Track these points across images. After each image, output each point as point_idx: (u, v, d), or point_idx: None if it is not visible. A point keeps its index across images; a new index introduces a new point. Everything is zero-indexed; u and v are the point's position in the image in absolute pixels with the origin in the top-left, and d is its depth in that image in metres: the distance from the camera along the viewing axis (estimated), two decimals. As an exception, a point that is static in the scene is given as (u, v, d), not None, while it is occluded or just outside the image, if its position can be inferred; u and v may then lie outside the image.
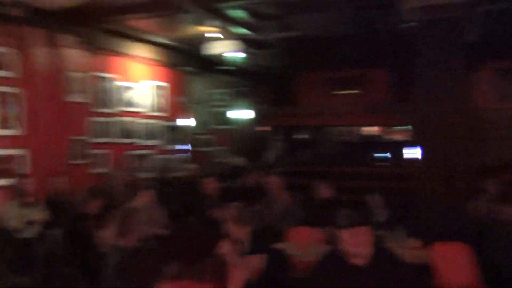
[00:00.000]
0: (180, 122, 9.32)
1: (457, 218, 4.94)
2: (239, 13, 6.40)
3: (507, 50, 8.58)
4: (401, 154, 10.67)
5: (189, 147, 9.96)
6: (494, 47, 8.28)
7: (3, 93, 5.82)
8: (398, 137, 11.23)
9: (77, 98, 6.70)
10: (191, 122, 12.01)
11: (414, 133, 9.67)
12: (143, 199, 5.37)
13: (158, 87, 8.64)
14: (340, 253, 2.84)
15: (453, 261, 4.39)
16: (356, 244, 2.72)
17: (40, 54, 6.21)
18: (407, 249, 4.43)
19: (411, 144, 9.38)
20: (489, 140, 9.68)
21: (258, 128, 12.12)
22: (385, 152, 11.18)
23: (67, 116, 6.56)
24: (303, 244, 4.79)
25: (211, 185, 6.06)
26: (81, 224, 4.23)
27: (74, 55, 6.58)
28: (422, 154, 5.15)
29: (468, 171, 4.95)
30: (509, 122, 9.55)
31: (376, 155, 11.26)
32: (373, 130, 11.47)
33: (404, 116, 9.58)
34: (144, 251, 2.20)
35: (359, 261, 2.78)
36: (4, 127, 5.83)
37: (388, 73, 10.69)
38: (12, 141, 5.94)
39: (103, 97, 7.44)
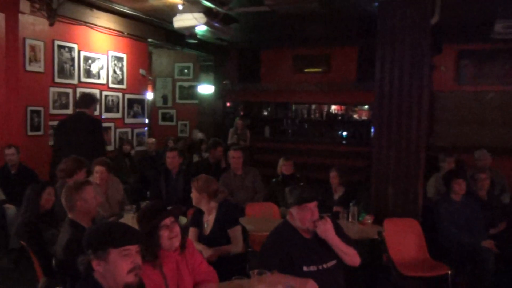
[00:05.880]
0: (141, 95, 9.17)
1: (409, 196, 5.17)
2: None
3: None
4: (364, 132, 10.94)
5: (148, 121, 9.84)
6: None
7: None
8: (362, 116, 11.49)
9: (36, 67, 6.49)
10: (152, 95, 11.90)
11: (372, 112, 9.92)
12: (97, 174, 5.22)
13: (119, 58, 8.46)
14: (291, 227, 3.00)
15: (402, 236, 4.64)
16: (303, 220, 2.90)
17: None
18: (361, 224, 4.66)
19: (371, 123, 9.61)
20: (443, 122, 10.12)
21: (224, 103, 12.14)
22: (348, 131, 11.43)
23: (25, 86, 6.35)
24: (260, 219, 4.94)
25: (173, 160, 6.04)
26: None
27: (34, 22, 6.34)
28: (375, 133, 5.32)
29: (421, 151, 5.14)
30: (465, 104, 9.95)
31: (338, 133, 11.51)
32: (337, 108, 11.68)
33: (366, 95, 9.80)
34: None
35: (306, 235, 2.95)
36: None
37: (353, 52, 10.83)
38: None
39: (63, 67, 7.25)
